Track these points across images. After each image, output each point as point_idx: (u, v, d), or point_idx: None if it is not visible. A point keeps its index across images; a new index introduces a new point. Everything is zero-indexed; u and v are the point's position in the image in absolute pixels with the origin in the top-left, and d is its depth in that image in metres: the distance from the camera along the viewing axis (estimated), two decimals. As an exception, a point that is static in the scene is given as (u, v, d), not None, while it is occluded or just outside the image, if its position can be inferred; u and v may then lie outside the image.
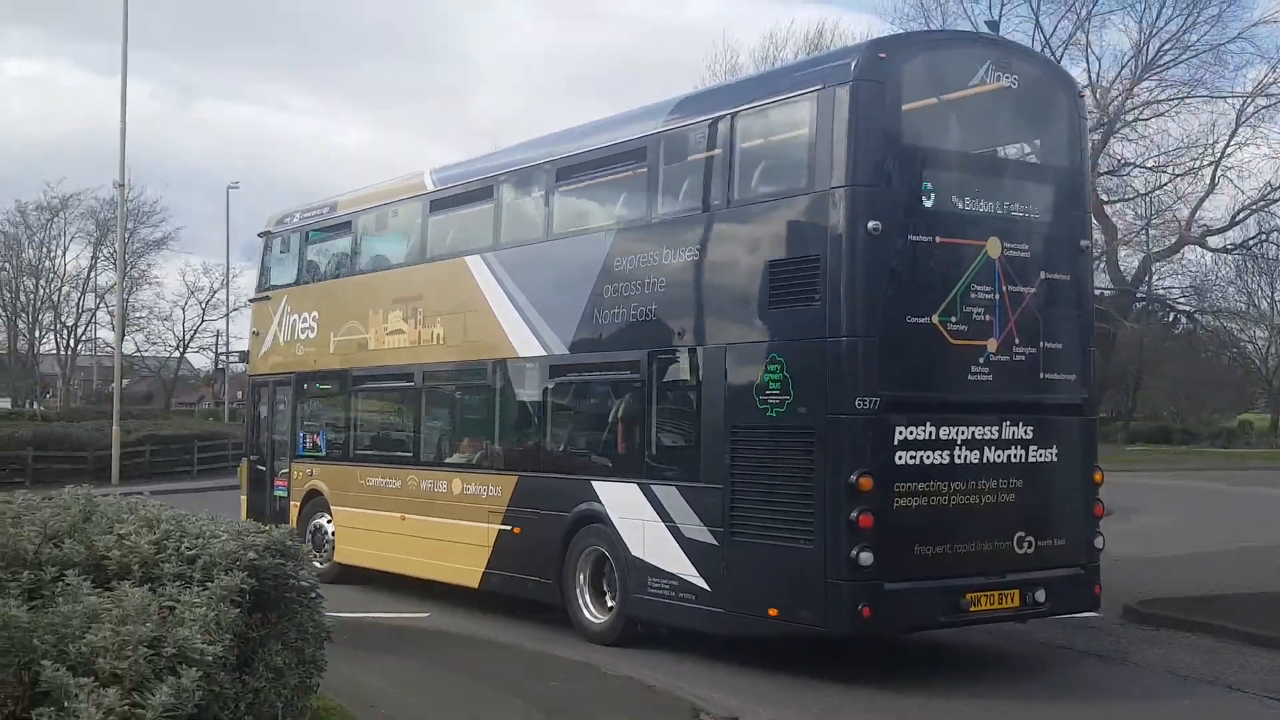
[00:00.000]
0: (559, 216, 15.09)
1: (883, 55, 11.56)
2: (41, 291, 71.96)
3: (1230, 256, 61.45)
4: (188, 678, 4.18)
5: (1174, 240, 58.80)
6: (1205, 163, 57.30)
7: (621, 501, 13.18)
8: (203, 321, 76.63)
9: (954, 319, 11.46)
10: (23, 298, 71.95)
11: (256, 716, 5.76)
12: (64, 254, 72.07)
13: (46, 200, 69.78)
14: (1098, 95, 58.77)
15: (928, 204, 11.55)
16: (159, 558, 5.79)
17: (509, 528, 14.67)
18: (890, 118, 11.54)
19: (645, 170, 13.61)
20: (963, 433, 11.48)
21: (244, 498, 20.22)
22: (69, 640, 4.18)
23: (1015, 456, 11.77)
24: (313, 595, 6.91)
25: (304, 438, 19.23)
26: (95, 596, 4.72)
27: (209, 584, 5.34)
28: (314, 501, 18.53)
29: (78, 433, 39.90)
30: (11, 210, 70.40)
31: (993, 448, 11.63)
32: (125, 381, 42.55)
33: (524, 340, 14.81)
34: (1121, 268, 60.48)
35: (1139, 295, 61.42)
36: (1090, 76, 58.92)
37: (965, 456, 11.46)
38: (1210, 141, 56.91)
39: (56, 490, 7.90)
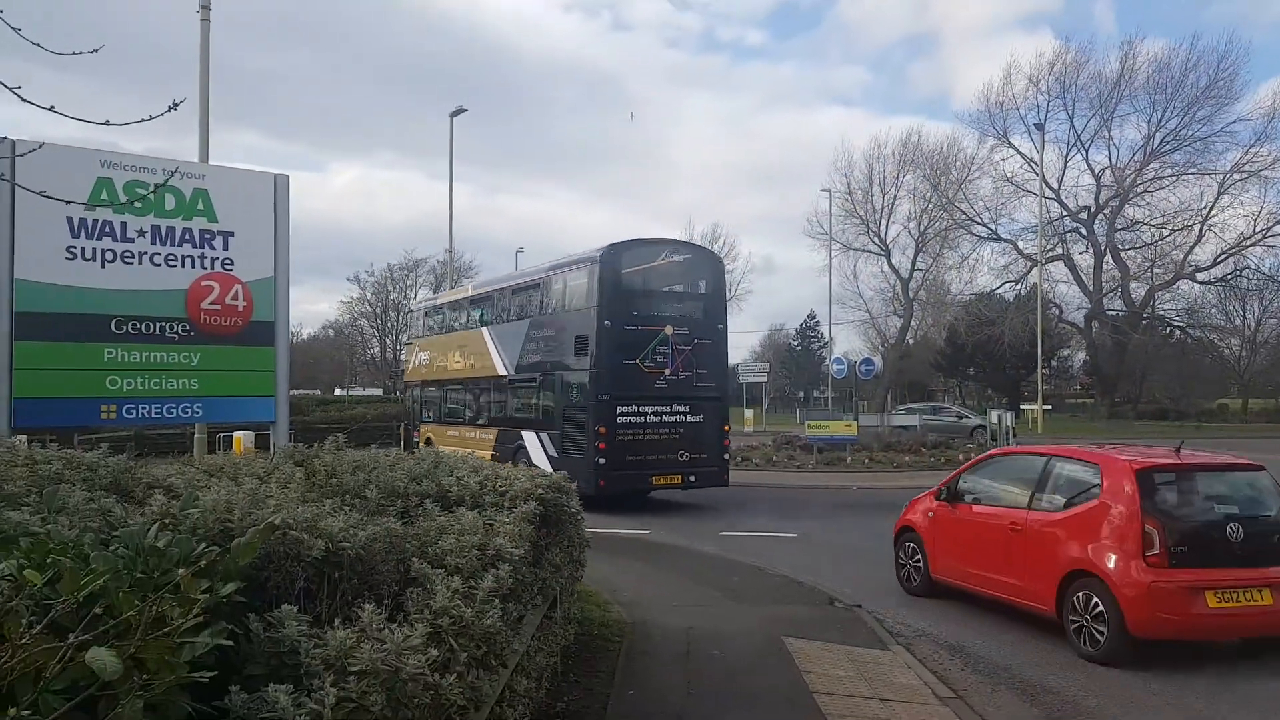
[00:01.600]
0: (512, 310, 20.88)
1: (614, 250, 17.76)
2: (400, 319, 73.37)
3: (1214, 287, 57.80)
4: (503, 570, 4.21)
5: (1171, 276, 55.91)
6: (1195, 221, 54.50)
7: (530, 438, 19.18)
8: None
9: (647, 361, 17.68)
10: (388, 324, 74.34)
11: (544, 595, 5.80)
12: (414, 295, 74.28)
13: (404, 261, 73.79)
14: (1115, 174, 55.83)
15: (635, 313, 17.60)
16: (482, 492, 5.87)
17: (495, 451, 19.86)
18: (617, 277, 17.66)
19: (539, 292, 19.63)
20: (652, 409, 17.45)
21: (401, 443, 25.10)
22: (428, 545, 4.25)
23: (679, 419, 17.64)
24: (578, 517, 6.95)
25: (423, 411, 24.94)
26: (443, 517, 4.79)
27: (514, 509, 5.35)
28: (428, 441, 23.89)
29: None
30: (383, 268, 73.76)
31: (667, 415, 17.57)
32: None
33: (499, 366, 20.71)
34: (1132, 296, 57.57)
35: (1144, 315, 58.11)
36: (1110, 159, 56.57)
37: (652, 419, 17.49)
38: (1200, 206, 54.15)
39: (414, 450, 8.20)
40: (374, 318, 74.77)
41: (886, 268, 65.57)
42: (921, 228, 63.79)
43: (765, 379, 52.79)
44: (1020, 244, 58.84)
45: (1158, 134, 54.64)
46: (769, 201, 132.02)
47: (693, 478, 17.46)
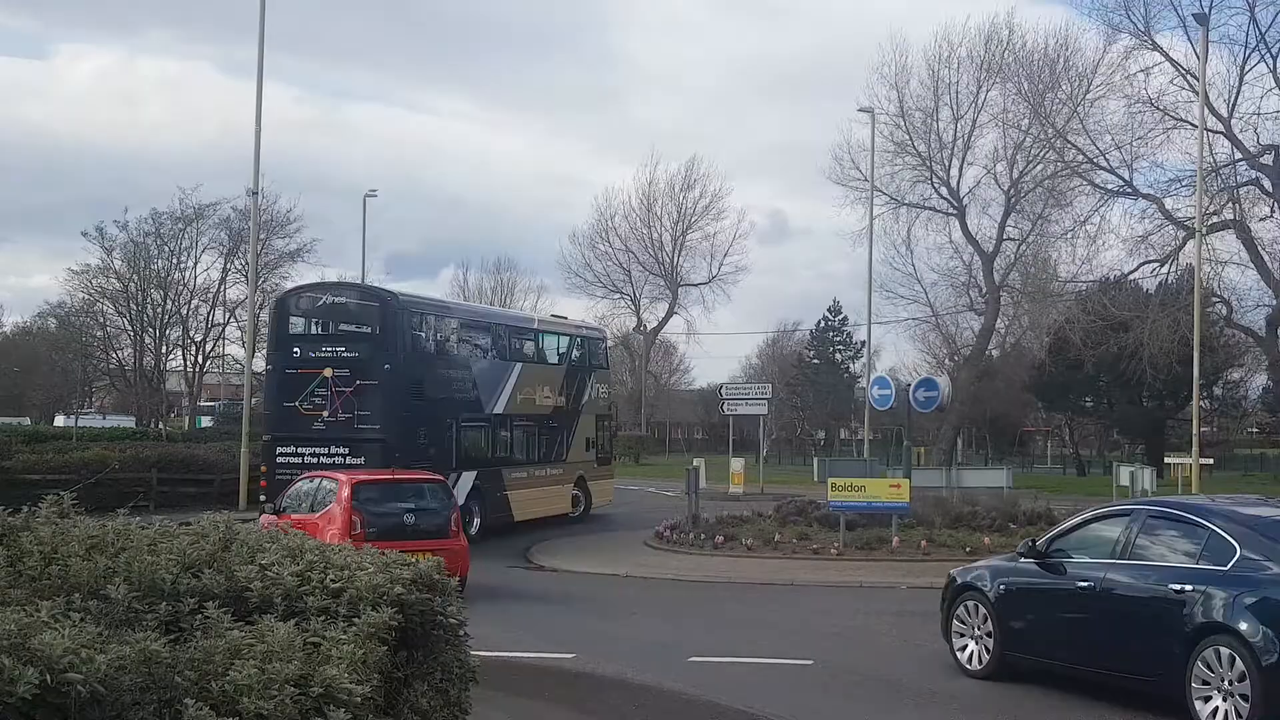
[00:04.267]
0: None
1: (284, 295, 33.69)
2: (170, 305, 70.38)
3: None
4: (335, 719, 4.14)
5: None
6: None
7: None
8: None
9: (305, 404, 28.03)
10: (150, 311, 70.36)
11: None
12: (195, 266, 70.44)
13: (181, 209, 68.08)
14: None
15: (296, 354, 28.83)
16: (302, 590, 5.84)
17: None
18: (284, 321, 30.17)
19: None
20: (310, 450, 27.64)
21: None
22: (212, 677, 4.19)
23: (336, 462, 26.44)
24: (460, 633, 7.10)
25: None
26: (237, 631, 4.73)
27: (355, 619, 5.46)
28: None
29: (204, 454, 39.63)
30: (144, 219, 68.87)
31: (325, 457, 27.10)
32: (255, 400, 42.66)
33: None
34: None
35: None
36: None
37: (310, 460, 26.94)
38: None
39: (193, 516, 8.09)
40: (126, 299, 70.80)
41: (959, 235, 65.86)
42: (1015, 174, 64.39)
43: (765, 410, 53.06)
44: (1169, 203, 57.94)
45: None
46: (781, 127, 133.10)
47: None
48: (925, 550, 25.45)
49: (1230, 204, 58.03)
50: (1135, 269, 60.24)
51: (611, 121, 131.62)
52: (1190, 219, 54.13)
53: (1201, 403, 54.75)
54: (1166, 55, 58.10)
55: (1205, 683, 10.93)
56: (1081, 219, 61.30)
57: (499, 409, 32.79)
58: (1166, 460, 53.95)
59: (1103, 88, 59.91)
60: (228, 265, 70.20)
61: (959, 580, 14.34)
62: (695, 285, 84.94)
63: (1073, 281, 61.68)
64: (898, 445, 43.39)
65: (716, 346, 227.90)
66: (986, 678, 13.52)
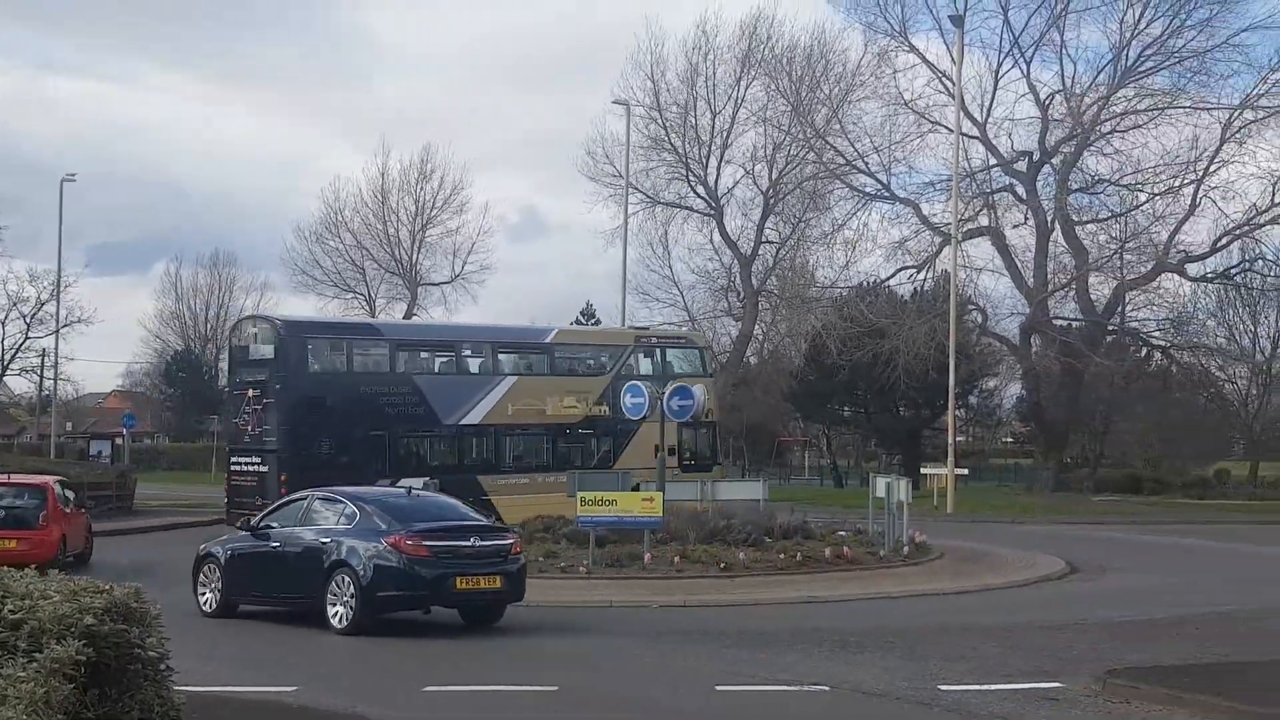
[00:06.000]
0: None
1: (237, 324, 43.49)
2: None
3: (1211, 286, 61.24)
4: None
5: (1150, 267, 57.96)
6: (1186, 181, 57.28)
7: None
8: (26, 339, 70.33)
9: (240, 421, 34.71)
10: None
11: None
12: None
13: None
14: (1071, 103, 58.98)
15: (236, 378, 35.94)
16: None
17: None
18: (236, 349, 37.05)
19: None
20: (245, 460, 34.26)
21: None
22: None
23: (253, 469, 33.53)
24: (161, 667, 7.14)
25: None
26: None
27: (36, 654, 5.60)
28: None
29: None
30: None
31: (246, 465, 34.07)
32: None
33: None
34: (1092, 296, 59.85)
35: (1110, 327, 61.58)
36: (1064, 81, 59.67)
37: (245, 468, 34.20)
38: (1192, 158, 57.28)
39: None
40: None
41: (717, 237, 66.79)
42: (774, 175, 65.35)
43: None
44: (926, 208, 60.18)
45: (1133, 43, 57.14)
46: (539, 117, 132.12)
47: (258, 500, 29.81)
48: (679, 567, 24.99)
49: (986, 210, 60.16)
50: (893, 274, 62.10)
51: (355, 105, 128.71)
52: (947, 224, 55.80)
53: (957, 411, 56.15)
54: (923, 57, 59.94)
55: (335, 597, 17.91)
56: (840, 223, 62.56)
57: (474, 419, 36.85)
58: (923, 471, 55.05)
59: (862, 89, 61.28)
60: None
61: (201, 551, 20.44)
62: (437, 285, 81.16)
63: (831, 287, 62.84)
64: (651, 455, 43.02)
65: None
66: (216, 616, 19.54)
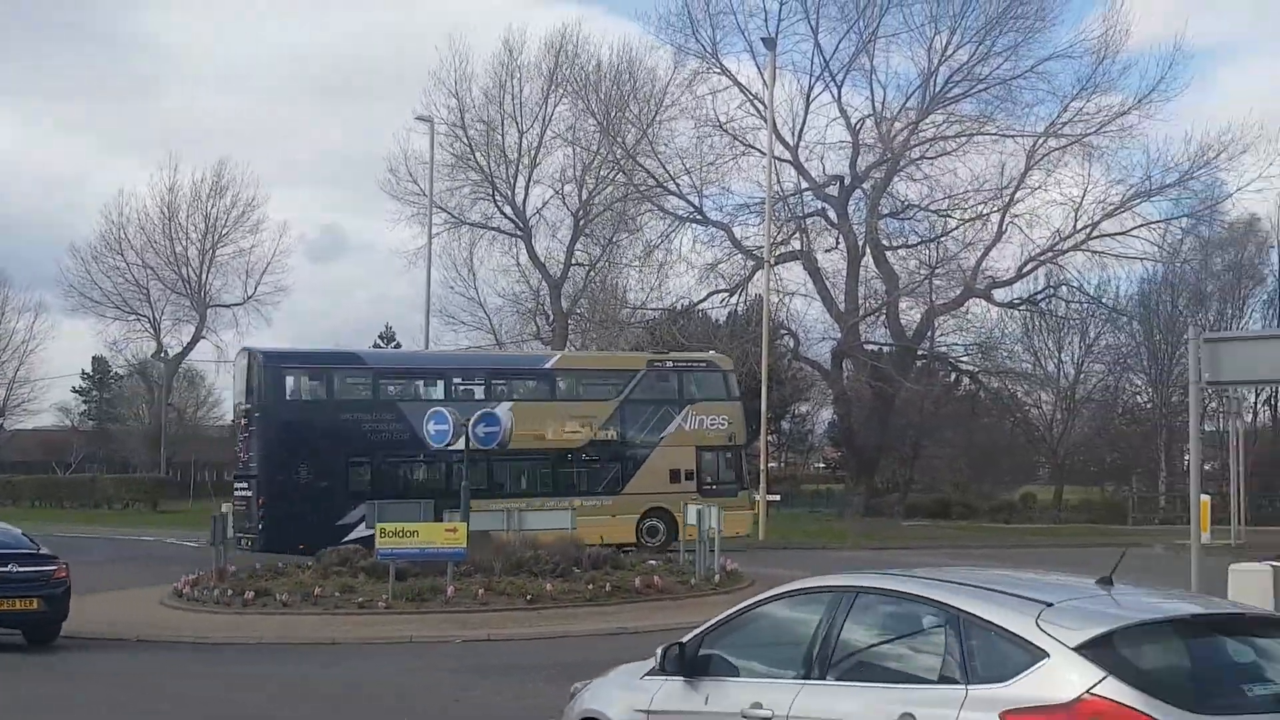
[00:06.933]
0: None
1: (238, 355, 42.50)
2: None
3: (1017, 312, 62.53)
4: None
5: (959, 292, 59.10)
6: (993, 208, 58.53)
7: None
8: None
9: (237, 448, 38.55)
10: None
11: None
12: None
13: None
14: (882, 128, 59.70)
15: (236, 407, 40.21)
16: None
17: None
18: (234, 378, 41.70)
19: None
20: (242, 485, 37.24)
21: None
22: None
23: (244, 493, 36.76)
24: None
25: None
26: None
27: None
28: None
29: None
30: None
31: (242, 491, 37.16)
32: None
33: None
34: (903, 321, 60.76)
35: (920, 352, 62.50)
36: (874, 106, 60.12)
37: (242, 492, 37.09)
38: (1000, 185, 58.58)
39: None
40: None
41: (525, 259, 66.09)
42: (584, 195, 64.95)
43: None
44: (738, 231, 60.55)
45: (941, 69, 58.11)
46: (341, 132, 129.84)
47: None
48: (483, 599, 24.52)
49: (798, 234, 60.41)
50: (705, 298, 62.10)
51: (141, 117, 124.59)
52: (759, 248, 55.80)
53: (770, 437, 56.35)
54: (734, 79, 60.10)
55: None
56: (651, 245, 62.35)
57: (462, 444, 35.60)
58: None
59: (673, 109, 61.23)
60: None
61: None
62: (228, 306, 78.06)
63: (642, 309, 62.55)
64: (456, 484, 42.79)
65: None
66: None
